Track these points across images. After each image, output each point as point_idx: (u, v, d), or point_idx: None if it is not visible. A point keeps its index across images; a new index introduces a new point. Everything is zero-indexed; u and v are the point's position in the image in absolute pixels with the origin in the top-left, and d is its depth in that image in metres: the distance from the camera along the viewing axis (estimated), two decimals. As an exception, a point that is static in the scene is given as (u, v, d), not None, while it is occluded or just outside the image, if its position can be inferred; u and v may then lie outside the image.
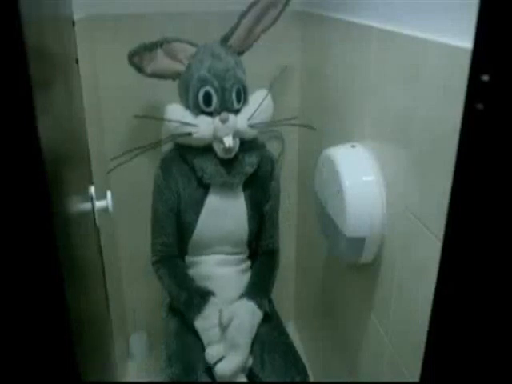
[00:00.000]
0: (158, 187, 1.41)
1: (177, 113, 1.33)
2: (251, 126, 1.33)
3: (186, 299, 1.35)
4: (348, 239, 1.06)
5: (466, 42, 0.68)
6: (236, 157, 1.34)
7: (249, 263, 1.50)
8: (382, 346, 1.12)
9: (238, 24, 1.34)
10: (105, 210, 1.02)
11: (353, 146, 1.16)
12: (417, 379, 0.56)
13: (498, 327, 0.44)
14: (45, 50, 0.61)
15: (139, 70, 1.35)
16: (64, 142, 0.72)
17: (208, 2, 1.52)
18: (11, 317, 0.54)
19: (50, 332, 0.56)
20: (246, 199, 1.40)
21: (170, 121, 1.32)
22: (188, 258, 1.46)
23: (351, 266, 1.29)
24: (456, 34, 0.75)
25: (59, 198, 0.60)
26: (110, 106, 1.60)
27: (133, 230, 1.74)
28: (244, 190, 1.40)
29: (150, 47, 1.32)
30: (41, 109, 0.49)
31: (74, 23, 1.07)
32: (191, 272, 1.45)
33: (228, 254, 1.44)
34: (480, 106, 0.39)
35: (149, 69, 1.34)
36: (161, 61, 1.34)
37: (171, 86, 1.41)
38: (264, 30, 1.37)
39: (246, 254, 1.50)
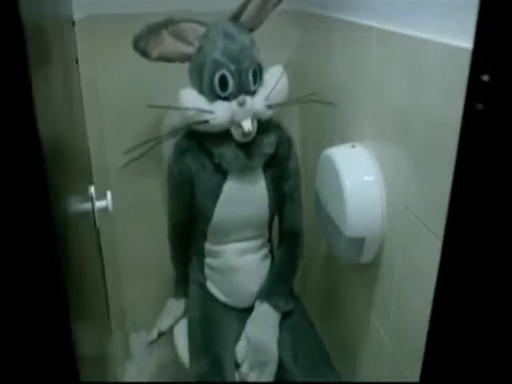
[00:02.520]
0: (172, 175, 1.38)
1: (192, 99, 1.27)
2: (269, 107, 1.27)
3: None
4: (348, 239, 1.06)
5: (466, 42, 0.69)
6: (254, 139, 1.28)
7: (269, 247, 1.47)
8: (382, 346, 1.12)
9: (248, 1, 1.28)
10: (105, 210, 1.02)
11: (353, 146, 1.16)
12: (417, 379, 0.56)
13: (498, 327, 0.44)
14: (45, 50, 0.61)
15: (144, 54, 1.27)
16: (64, 142, 0.73)
17: (208, 2, 1.52)
18: (11, 318, 0.54)
19: (50, 332, 0.56)
20: (266, 181, 1.36)
21: (185, 109, 1.27)
22: (208, 246, 1.42)
23: (351, 265, 1.29)
24: (456, 34, 0.75)
25: (59, 198, 0.60)
26: (109, 106, 1.59)
27: (133, 230, 1.74)
28: (264, 172, 1.35)
29: (155, 29, 1.24)
30: (41, 109, 0.49)
31: (73, 23, 1.08)
32: (214, 263, 1.43)
33: (248, 239, 1.40)
34: (480, 106, 0.39)
35: (154, 52, 1.26)
36: (167, 43, 1.27)
37: (172, 86, 1.40)
38: (275, 6, 1.32)
39: (266, 237, 1.46)
